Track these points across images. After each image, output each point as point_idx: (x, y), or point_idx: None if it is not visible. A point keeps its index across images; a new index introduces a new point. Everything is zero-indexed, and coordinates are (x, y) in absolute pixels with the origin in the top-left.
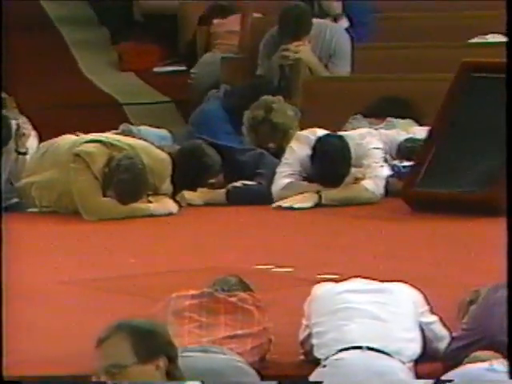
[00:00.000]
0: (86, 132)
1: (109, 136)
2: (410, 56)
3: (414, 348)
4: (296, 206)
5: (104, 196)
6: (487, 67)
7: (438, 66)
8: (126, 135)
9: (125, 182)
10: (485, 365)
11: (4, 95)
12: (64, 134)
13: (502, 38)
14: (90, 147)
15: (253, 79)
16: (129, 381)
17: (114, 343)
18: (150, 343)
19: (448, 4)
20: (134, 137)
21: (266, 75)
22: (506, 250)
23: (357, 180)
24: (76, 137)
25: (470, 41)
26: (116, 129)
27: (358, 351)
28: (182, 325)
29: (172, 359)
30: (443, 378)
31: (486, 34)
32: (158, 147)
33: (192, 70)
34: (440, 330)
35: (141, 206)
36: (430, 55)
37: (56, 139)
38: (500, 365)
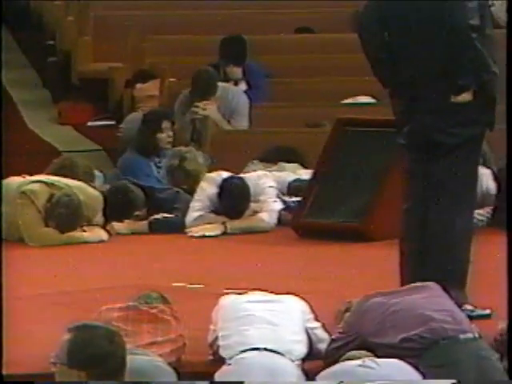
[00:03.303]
0: (31, 174)
1: (50, 177)
2: (296, 113)
3: (301, 348)
4: (206, 234)
5: (46, 226)
6: (357, 122)
7: (318, 121)
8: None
9: (63, 214)
10: (358, 361)
11: None
12: (12, 176)
13: (369, 100)
14: (34, 186)
15: (145, 115)
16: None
17: (63, 341)
18: (79, 355)
19: (326, 69)
20: (73, 178)
21: (158, 108)
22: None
23: (255, 213)
24: (22, 178)
25: (343, 101)
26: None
27: (256, 352)
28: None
29: (95, 375)
30: (324, 373)
31: (357, 96)
32: (91, 186)
33: (120, 126)
34: (322, 333)
35: (77, 234)
36: (312, 113)
37: (5, 180)
38: (370, 361)
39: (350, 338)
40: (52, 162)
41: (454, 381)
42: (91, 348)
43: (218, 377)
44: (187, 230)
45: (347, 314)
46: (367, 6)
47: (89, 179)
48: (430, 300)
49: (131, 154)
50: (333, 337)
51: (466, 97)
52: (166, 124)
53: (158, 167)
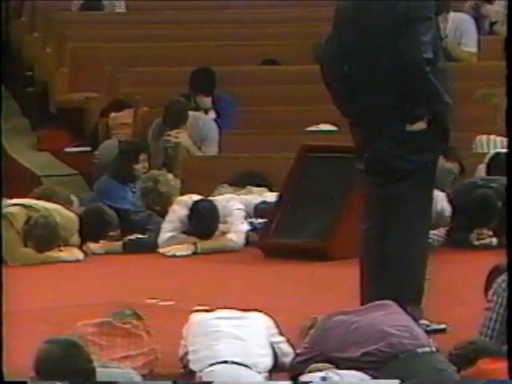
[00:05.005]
0: (11, 198)
1: (28, 200)
2: (263, 140)
3: (267, 361)
4: (177, 253)
5: (25, 246)
6: (319, 149)
7: (284, 147)
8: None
9: (41, 235)
10: (321, 373)
11: None
12: None
13: (331, 127)
14: (14, 209)
15: (124, 145)
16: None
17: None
18: (41, 366)
19: (290, 99)
20: (49, 200)
21: (137, 141)
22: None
23: (224, 233)
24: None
25: (307, 129)
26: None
27: (225, 365)
28: (86, 347)
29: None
30: None
31: (319, 124)
32: (67, 208)
33: (96, 152)
34: (286, 347)
35: (54, 254)
36: (278, 139)
37: None
38: (332, 373)
39: (315, 353)
40: (33, 191)
41: (398, 381)
42: (49, 359)
43: None
44: (159, 250)
45: (312, 331)
46: (328, 41)
47: (67, 205)
48: (388, 317)
49: (107, 178)
50: (298, 351)
51: (420, 125)
52: (143, 156)
53: (133, 192)
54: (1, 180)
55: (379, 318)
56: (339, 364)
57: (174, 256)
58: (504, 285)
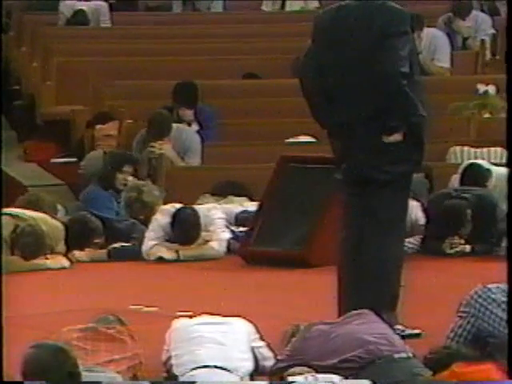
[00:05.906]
0: None
1: (15, 210)
2: (244, 151)
3: (248, 366)
4: (164, 256)
5: (12, 254)
6: (299, 159)
7: (264, 158)
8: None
9: (27, 243)
10: (300, 377)
11: None
12: None
13: (310, 139)
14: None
15: (112, 154)
16: None
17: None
18: (27, 370)
19: (270, 111)
20: (35, 206)
21: (126, 152)
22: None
23: (205, 241)
24: None
25: (286, 140)
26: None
27: (206, 369)
28: (73, 352)
29: None
30: None
31: (298, 136)
32: (53, 217)
33: (81, 163)
34: (267, 352)
35: (40, 262)
36: (258, 151)
37: None
38: (311, 377)
39: (296, 361)
40: (19, 198)
41: (368, 381)
42: (36, 363)
43: None
44: (144, 257)
45: (294, 339)
46: (306, 55)
47: (52, 212)
48: (366, 325)
49: (94, 187)
50: (279, 357)
51: (396, 137)
52: (127, 168)
53: (118, 201)
54: (1, 190)
55: (357, 327)
56: (319, 371)
57: (161, 259)
58: (476, 296)
